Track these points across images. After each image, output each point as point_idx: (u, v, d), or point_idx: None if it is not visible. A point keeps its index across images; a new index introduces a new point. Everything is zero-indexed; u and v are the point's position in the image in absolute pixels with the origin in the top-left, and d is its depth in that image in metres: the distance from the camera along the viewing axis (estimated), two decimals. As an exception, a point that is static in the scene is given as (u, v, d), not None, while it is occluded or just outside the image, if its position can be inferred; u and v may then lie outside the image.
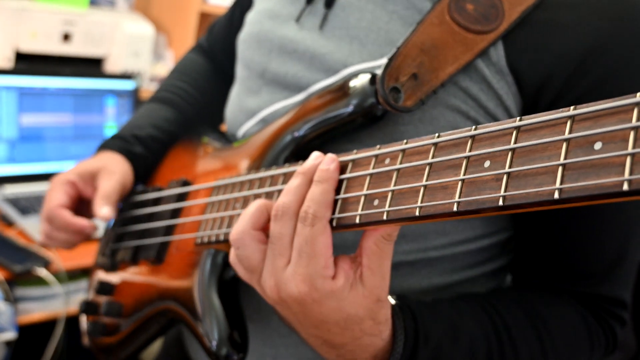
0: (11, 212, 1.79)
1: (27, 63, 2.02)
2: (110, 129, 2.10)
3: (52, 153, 2.02)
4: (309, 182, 0.57)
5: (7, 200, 1.85)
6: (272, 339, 0.79)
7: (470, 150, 0.47)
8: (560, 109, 0.42)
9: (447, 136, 0.50)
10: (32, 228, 1.74)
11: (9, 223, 1.77)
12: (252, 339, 0.75)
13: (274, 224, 0.57)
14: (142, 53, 2.23)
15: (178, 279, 0.79)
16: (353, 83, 0.68)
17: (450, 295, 0.71)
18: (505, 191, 0.43)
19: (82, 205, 0.92)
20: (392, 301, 0.62)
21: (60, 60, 2.09)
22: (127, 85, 2.14)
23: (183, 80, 1.08)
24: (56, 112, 2.01)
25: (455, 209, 0.46)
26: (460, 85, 0.66)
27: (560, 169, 0.40)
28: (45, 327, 1.72)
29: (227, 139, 0.90)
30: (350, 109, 0.68)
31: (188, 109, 1.04)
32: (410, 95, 0.64)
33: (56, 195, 0.88)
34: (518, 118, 0.45)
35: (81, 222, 0.87)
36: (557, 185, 0.40)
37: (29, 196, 1.89)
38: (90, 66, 2.18)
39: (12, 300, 1.58)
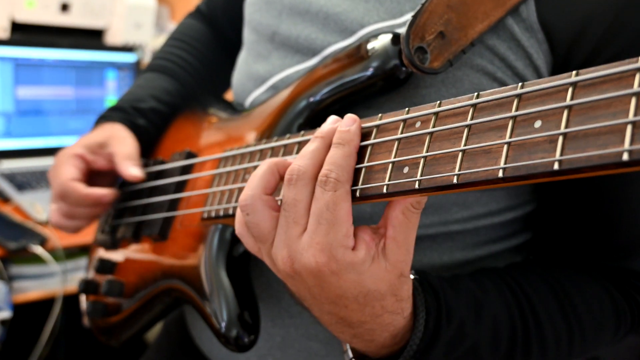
0: (7, 188, 1.74)
1: (24, 33, 1.96)
2: (111, 103, 2.03)
3: (50, 127, 1.96)
4: (328, 146, 0.52)
5: (3, 175, 1.80)
6: (282, 319, 0.75)
7: (517, 110, 0.41)
8: (626, 60, 0.37)
9: (488, 96, 0.44)
10: (29, 204, 1.69)
11: (5, 199, 1.72)
12: (261, 319, 0.71)
13: (287, 189, 0.51)
14: (143, 25, 2.18)
15: (183, 256, 0.75)
16: (372, 44, 0.63)
17: (470, 271, 0.68)
18: (561, 154, 0.38)
19: (93, 178, 0.86)
20: (411, 276, 0.57)
21: (58, 31, 2.03)
22: (128, 57, 2.08)
23: (182, 49, 1.02)
24: (54, 85, 1.95)
25: (500, 174, 0.40)
26: (486, 44, 0.62)
27: (629, 127, 0.35)
28: (42, 307, 1.67)
29: (234, 108, 0.85)
30: (370, 72, 0.63)
31: (188, 80, 0.99)
32: (437, 56, 0.60)
33: (66, 170, 0.82)
34: (573, 72, 0.39)
35: (98, 191, 0.82)
36: (626, 145, 0.35)
37: (26, 172, 1.84)
38: (90, 38, 2.13)
39: (7, 278, 1.54)
